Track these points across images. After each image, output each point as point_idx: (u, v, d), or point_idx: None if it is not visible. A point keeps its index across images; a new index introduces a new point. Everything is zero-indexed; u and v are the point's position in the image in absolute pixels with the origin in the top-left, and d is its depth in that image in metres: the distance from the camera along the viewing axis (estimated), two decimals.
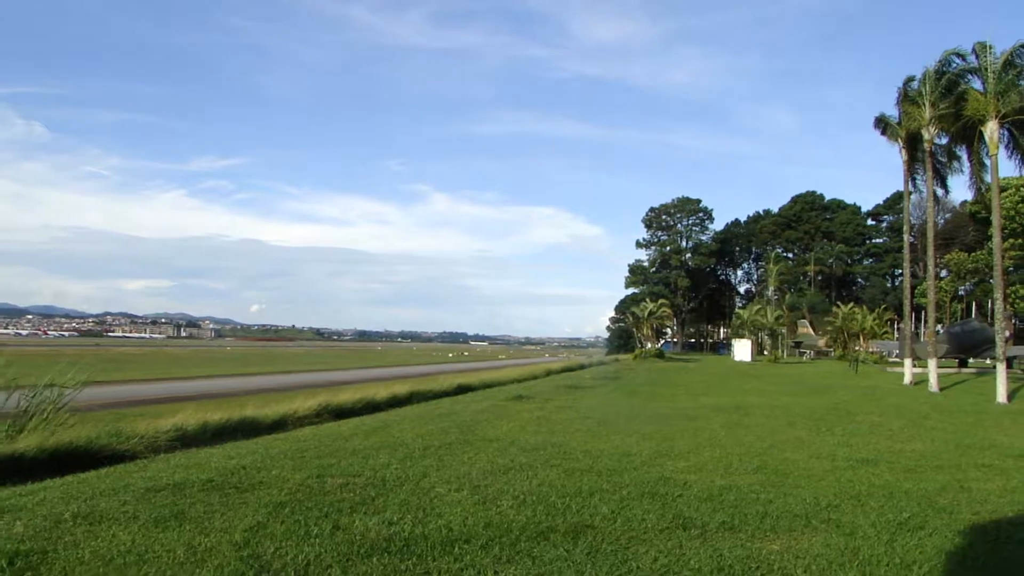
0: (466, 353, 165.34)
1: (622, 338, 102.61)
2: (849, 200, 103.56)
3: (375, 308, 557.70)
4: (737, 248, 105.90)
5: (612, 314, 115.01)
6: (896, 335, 60.21)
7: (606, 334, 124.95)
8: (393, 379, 26.65)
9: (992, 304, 36.41)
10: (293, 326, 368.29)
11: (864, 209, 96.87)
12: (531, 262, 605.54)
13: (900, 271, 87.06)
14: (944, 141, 25.76)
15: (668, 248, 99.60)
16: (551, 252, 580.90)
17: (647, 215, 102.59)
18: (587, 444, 10.15)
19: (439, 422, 12.58)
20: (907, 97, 25.66)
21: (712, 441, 10.72)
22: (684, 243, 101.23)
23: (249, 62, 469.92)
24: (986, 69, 21.70)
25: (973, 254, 57.23)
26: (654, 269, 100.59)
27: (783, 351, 70.46)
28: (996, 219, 21.56)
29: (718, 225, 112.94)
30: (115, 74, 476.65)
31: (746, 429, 12.27)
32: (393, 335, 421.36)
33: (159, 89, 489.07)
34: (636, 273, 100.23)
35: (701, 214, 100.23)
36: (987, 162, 22.69)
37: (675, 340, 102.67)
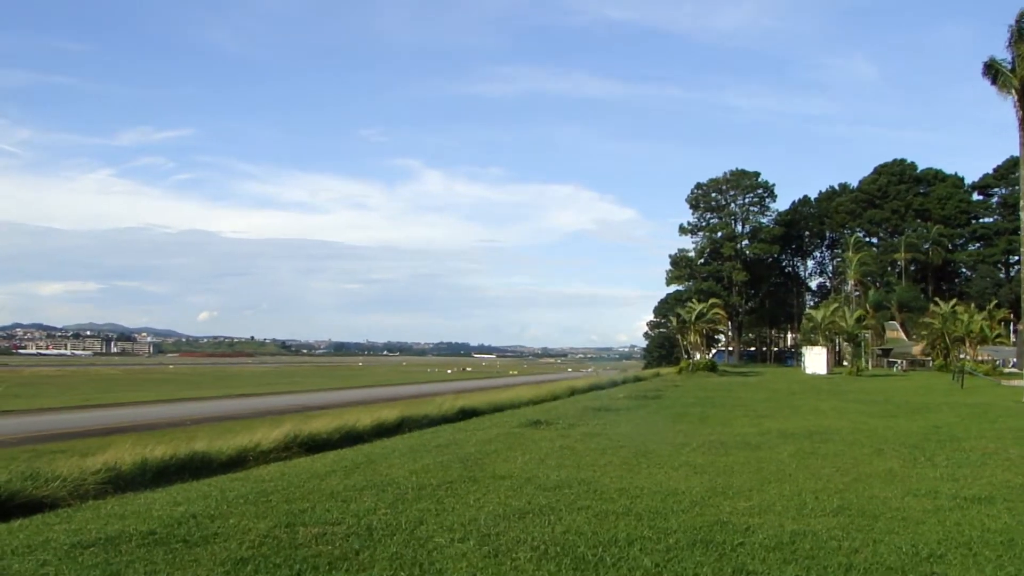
0: (468, 369, 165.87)
1: (664, 347, 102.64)
2: (949, 170, 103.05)
3: (354, 314, 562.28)
4: (807, 233, 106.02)
5: (650, 318, 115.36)
6: (1013, 339, 59.80)
7: (643, 343, 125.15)
8: (379, 402, 26.88)
9: None
10: (252, 338, 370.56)
11: (968, 181, 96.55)
12: (547, 254, 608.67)
13: (1017, 258, 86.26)
14: None
15: (720, 234, 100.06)
16: (572, 241, 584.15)
17: (693, 193, 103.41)
18: (622, 480, 10.19)
19: (437, 455, 12.72)
20: (1023, 37, 25.43)
21: (780, 475, 10.75)
22: (740, 227, 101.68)
23: (194, 10, 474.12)
24: None
25: None
26: (703, 261, 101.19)
27: (867, 361, 70.33)
28: None
29: (782, 204, 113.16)
30: (23, 24, 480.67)
31: (823, 459, 12.29)
32: (377, 347, 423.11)
33: (80, 43, 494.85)
34: (680, 266, 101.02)
35: (760, 191, 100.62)
36: None
37: (730, 349, 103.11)
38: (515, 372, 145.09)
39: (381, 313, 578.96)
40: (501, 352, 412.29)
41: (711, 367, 60.57)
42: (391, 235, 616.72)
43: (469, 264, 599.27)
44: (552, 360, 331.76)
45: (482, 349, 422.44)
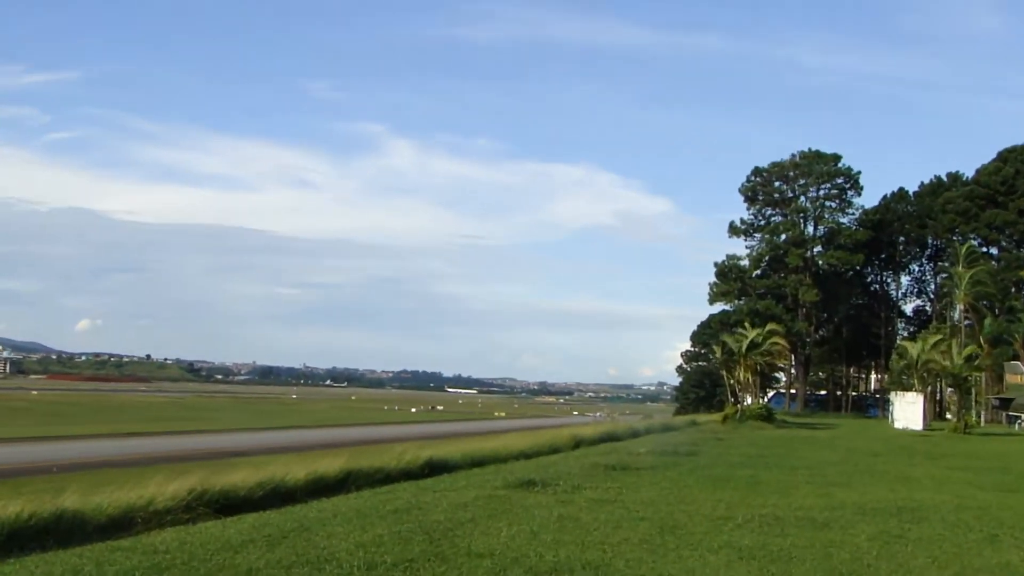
0: (440, 408, 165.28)
1: (703, 387, 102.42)
2: None
3: (289, 330, 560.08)
4: (901, 239, 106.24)
5: (686, 347, 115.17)
6: None
7: (675, 380, 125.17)
8: (317, 449, 26.89)
9: None
10: (149, 357, 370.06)
11: None
12: (550, 257, 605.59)
13: None
14: None
15: (784, 237, 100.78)
16: (583, 241, 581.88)
17: (749, 181, 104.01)
18: (642, 565, 10.22)
19: (394, 523, 12.79)
20: None
21: (855, 566, 10.74)
22: (811, 229, 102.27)
23: None
24: None
25: None
26: (759, 272, 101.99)
27: (979, 415, 70.47)
28: None
29: (869, 199, 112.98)
30: None
31: (914, 546, 12.33)
32: (318, 375, 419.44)
33: None
34: (729, 278, 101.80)
35: (841, 180, 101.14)
36: None
37: (792, 392, 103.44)
38: (502, 414, 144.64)
39: (325, 329, 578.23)
40: (485, 386, 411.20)
41: (766, 415, 60.86)
42: (342, 224, 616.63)
43: (445, 266, 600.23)
44: (553, 399, 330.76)
45: (459, 382, 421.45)
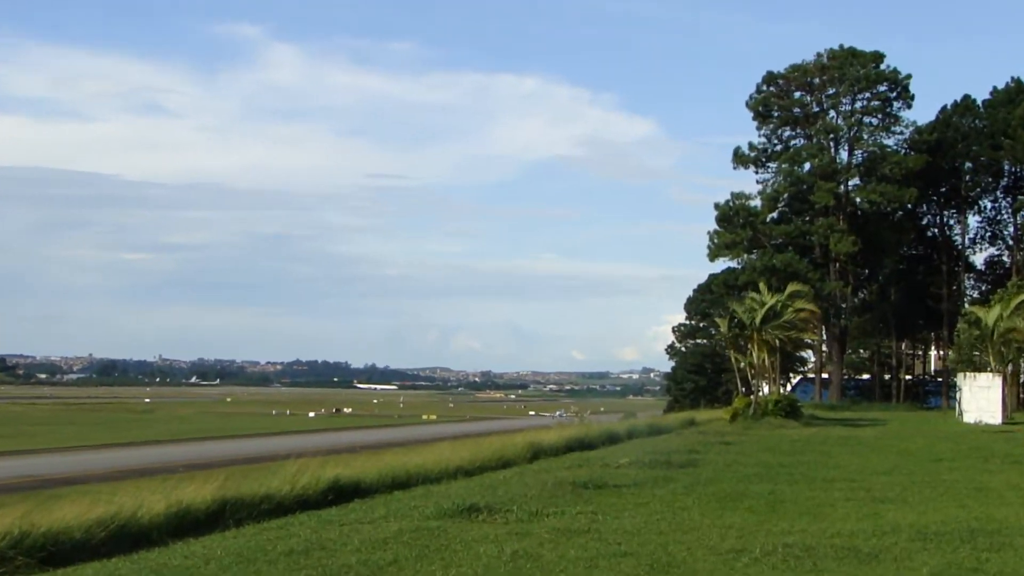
0: (347, 410, 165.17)
1: (703, 373, 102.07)
2: None
3: (137, 309, 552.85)
4: (968, 166, 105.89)
5: (680, 319, 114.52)
6: None
7: (667, 364, 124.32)
8: (181, 470, 26.80)
9: None
10: None
11: None
12: (494, 202, 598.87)
13: None
14: None
15: (808, 166, 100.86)
16: (539, 179, 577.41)
17: (759, 92, 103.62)
18: None
19: (289, 570, 12.82)
20: None
21: None
22: (844, 155, 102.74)
23: None
24: None
25: None
26: (775, 215, 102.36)
27: None
28: None
29: (923, 112, 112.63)
30: None
31: None
32: (180, 370, 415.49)
33: None
34: (735, 224, 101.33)
35: (884, 88, 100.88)
36: None
37: (824, 377, 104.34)
38: (433, 416, 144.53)
39: (188, 307, 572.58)
40: (409, 380, 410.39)
41: (789, 409, 60.41)
42: (209, 163, 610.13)
43: (351, 218, 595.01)
44: (500, 395, 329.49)
45: (373, 375, 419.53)
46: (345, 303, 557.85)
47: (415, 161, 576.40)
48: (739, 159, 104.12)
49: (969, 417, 61.01)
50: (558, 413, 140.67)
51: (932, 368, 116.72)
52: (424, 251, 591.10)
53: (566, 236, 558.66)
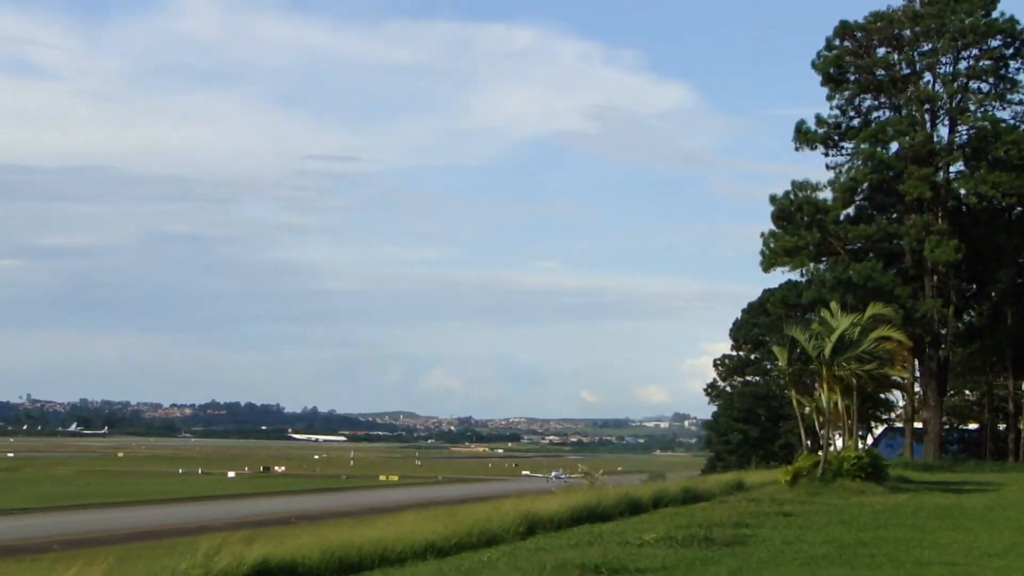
0: (279, 469, 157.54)
1: (754, 421, 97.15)
2: None
3: (0, 332, 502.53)
4: None
5: (723, 349, 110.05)
6: None
7: (706, 408, 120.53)
8: (57, 546, 27.81)
9: None
10: None
11: None
12: (476, 192, 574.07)
13: None
14: None
15: (896, 146, 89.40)
16: (536, 162, 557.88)
17: (829, 50, 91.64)
18: None
19: None
20: None
21: None
22: (944, 130, 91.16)
23: None
24: None
25: None
26: (852, 212, 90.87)
27: None
28: None
29: None
30: None
31: None
32: (55, 415, 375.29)
33: None
34: (797, 223, 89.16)
35: (998, 42, 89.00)
36: None
37: (918, 427, 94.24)
38: (392, 477, 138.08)
39: (65, 330, 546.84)
40: (362, 429, 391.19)
41: (871, 470, 54.49)
42: (96, 140, 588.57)
43: (286, 214, 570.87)
44: (484, 449, 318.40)
45: (314, 421, 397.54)
46: (277, 328, 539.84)
47: (371, 139, 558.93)
48: (803, 137, 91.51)
49: None
50: (554, 474, 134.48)
51: None
52: (384, 259, 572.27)
53: (572, 240, 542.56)
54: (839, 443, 60.85)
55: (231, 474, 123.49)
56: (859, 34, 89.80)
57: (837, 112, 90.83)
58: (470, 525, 28.64)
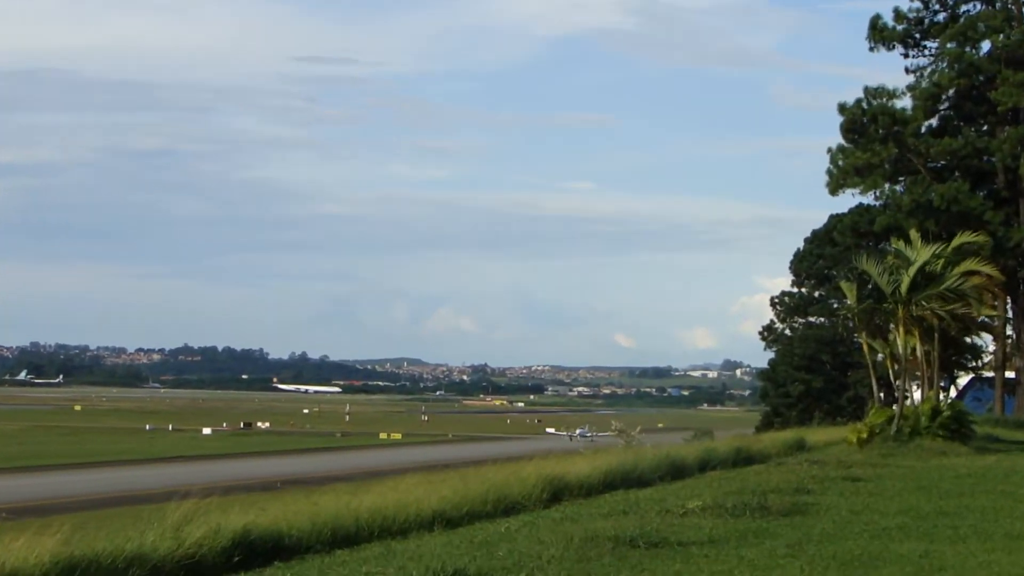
0: (262, 425, 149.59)
1: (818, 370, 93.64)
2: None
3: None
4: None
5: (782, 285, 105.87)
6: None
7: (761, 355, 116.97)
8: (4, 514, 27.41)
9: None
10: None
11: None
12: (495, 101, 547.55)
13: None
14: None
15: (987, 45, 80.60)
16: (563, 65, 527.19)
17: None
18: None
19: None
20: None
21: None
22: None
23: None
24: None
25: None
26: (935, 123, 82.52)
27: None
28: None
29: None
30: None
31: None
32: (7, 361, 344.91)
33: None
34: (871, 136, 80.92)
35: None
36: None
37: (1009, 376, 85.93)
38: (395, 435, 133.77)
39: (14, 263, 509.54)
40: (360, 378, 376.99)
41: (954, 426, 50.98)
42: (52, 39, 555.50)
43: (270, 125, 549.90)
44: (501, 403, 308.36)
45: (303, 369, 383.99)
46: (260, 260, 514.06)
47: (368, 37, 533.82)
48: (879, 35, 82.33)
49: None
50: (579, 431, 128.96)
51: None
52: (385, 179, 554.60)
53: (606, 156, 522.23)
54: (917, 396, 56.83)
55: (207, 431, 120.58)
56: None
57: (919, 5, 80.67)
58: (484, 491, 26.17)
